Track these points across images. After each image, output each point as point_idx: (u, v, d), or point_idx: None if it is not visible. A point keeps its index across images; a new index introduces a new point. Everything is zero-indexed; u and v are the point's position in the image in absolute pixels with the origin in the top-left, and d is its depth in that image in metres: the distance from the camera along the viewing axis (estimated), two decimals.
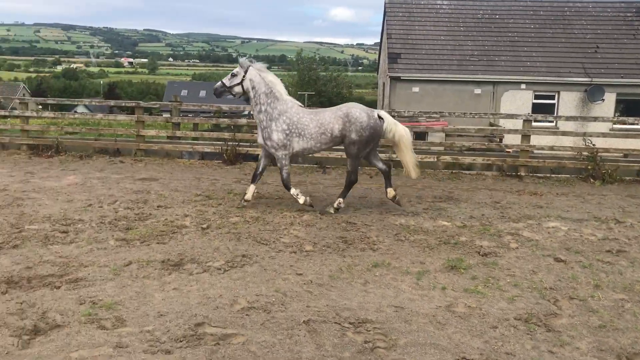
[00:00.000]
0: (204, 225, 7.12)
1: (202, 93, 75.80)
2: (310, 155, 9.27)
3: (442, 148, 12.61)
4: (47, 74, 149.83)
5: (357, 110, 8.00)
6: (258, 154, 10.35)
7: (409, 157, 8.21)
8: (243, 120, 14.91)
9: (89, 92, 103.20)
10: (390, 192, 8.34)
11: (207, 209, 8.00)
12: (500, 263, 6.07)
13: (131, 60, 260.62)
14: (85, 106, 57.99)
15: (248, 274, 5.51)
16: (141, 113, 13.00)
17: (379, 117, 8.10)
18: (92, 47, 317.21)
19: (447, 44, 24.27)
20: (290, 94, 8.36)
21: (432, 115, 14.36)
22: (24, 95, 65.90)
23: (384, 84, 26.76)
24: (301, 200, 8.04)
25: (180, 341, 4.12)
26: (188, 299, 4.88)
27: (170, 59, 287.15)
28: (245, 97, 8.27)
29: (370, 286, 5.32)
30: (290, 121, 7.94)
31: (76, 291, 4.99)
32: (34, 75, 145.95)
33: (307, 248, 6.38)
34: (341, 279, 5.47)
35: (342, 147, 8.30)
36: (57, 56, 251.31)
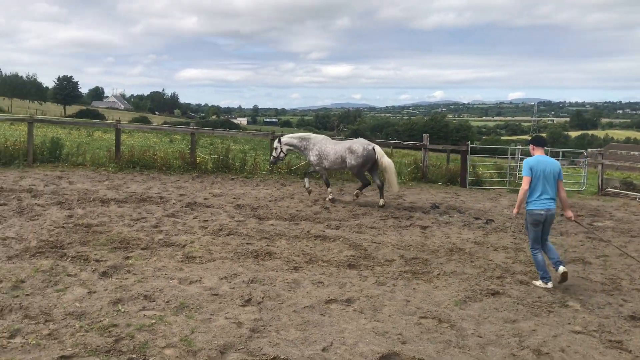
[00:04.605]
0: None
1: None
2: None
3: None
4: None
5: (356, 144, 11.88)
6: None
7: (391, 177, 11.83)
8: None
9: None
10: (381, 201, 11.99)
11: None
12: None
13: None
14: None
15: None
16: None
17: (373, 149, 11.80)
18: None
19: None
20: None
21: None
22: None
23: None
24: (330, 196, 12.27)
25: None
26: None
27: None
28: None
29: None
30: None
31: None
32: None
33: None
34: None
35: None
36: None
